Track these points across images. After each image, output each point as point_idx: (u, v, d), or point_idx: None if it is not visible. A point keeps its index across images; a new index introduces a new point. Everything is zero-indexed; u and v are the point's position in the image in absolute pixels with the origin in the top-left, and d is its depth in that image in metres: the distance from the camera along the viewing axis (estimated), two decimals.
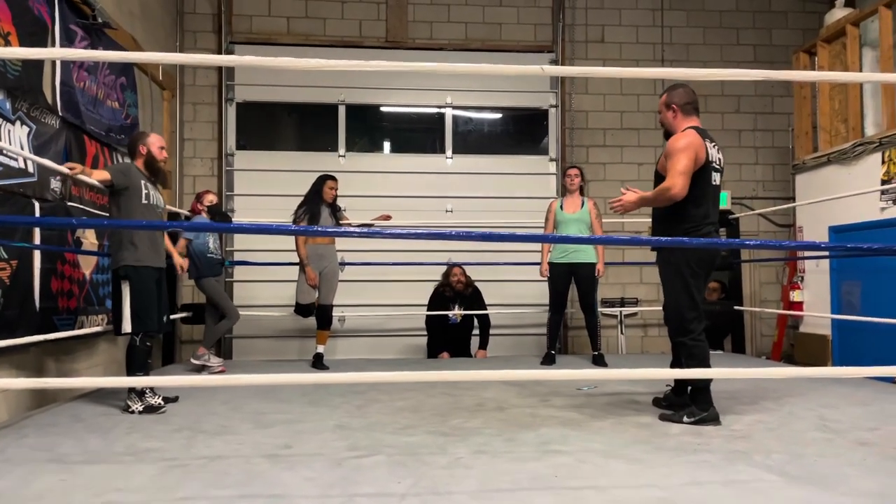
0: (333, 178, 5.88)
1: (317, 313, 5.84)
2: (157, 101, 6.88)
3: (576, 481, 2.64)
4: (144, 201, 3.98)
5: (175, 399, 4.15)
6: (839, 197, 5.80)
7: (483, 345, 6.82)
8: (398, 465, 2.82)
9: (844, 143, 6.14)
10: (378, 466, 2.81)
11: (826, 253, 6.09)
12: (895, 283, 5.32)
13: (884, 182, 5.58)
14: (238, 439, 3.27)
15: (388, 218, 6.15)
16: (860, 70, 6.13)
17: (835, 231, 6.24)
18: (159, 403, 3.93)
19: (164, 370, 5.77)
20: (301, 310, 5.85)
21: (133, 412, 3.83)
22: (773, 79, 2.46)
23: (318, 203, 5.72)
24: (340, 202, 7.63)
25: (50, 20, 4.48)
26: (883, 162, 5.62)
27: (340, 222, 5.90)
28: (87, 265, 5.04)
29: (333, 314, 6.00)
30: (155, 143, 4.11)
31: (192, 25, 7.77)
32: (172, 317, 6.07)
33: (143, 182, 4.00)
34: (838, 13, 6.58)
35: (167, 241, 4.41)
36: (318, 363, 5.81)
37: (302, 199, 5.84)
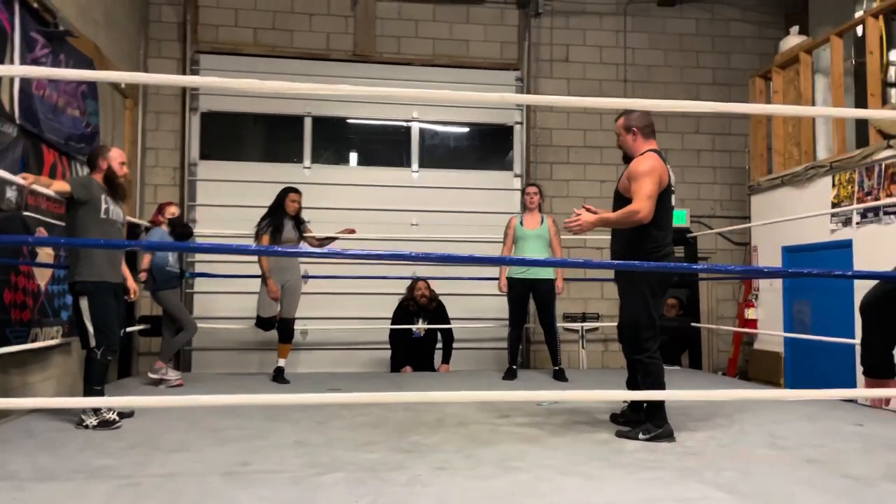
0: (296, 191, 5.84)
1: (279, 326, 5.80)
2: (119, 109, 6.79)
3: (532, 499, 2.67)
4: (103, 216, 3.93)
5: (130, 414, 4.08)
6: (792, 219, 5.98)
7: (446, 359, 6.84)
8: (357, 483, 2.82)
9: (797, 166, 6.34)
10: (337, 484, 2.81)
11: (775, 276, 6.27)
12: (843, 303, 5.49)
13: (834, 205, 5.77)
14: (194, 457, 3.23)
15: (351, 232, 6.14)
16: (812, 96, 6.34)
17: (788, 251, 6.43)
18: (114, 419, 3.86)
19: (120, 384, 5.67)
20: (262, 323, 5.81)
21: (87, 427, 3.76)
22: (722, 111, 2.55)
23: (280, 216, 5.69)
24: (305, 214, 7.63)
25: (9, 27, 4.40)
26: (833, 185, 5.82)
27: (304, 235, 5.87)
28: (42, 276, 4.94)
29: (296, 327, 5.97)
30: (116, 157, 4.07)
31: (156, 34, 7.70)
32: (129, 329, 5.98)
33: (102, 196, 3.96)
34: (792, 40, 6.81)
35: (123, 264, 4.32)
36: (279, 377, 5.76)
37: (266, 211, 5.80)
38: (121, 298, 4.15)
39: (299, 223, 5.81)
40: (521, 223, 5.85)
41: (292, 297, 5.77)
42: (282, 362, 5.82)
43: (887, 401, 2.51)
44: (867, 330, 2.36)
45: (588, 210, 3.71)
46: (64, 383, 5.44)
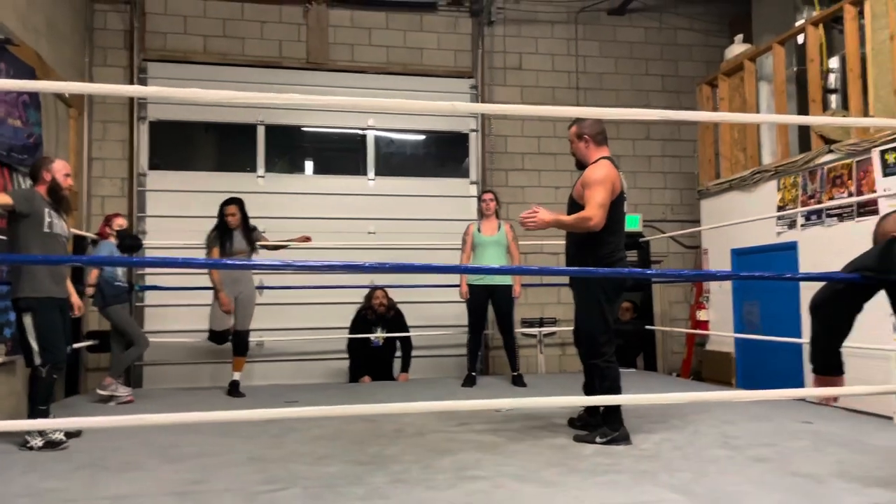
0: (233, 203, 5.65)
1: (233, 339, 5.70)
2: (63, 119, 6.60)
3: None
4: (46, 230, 3.81)
5: (78, 434, 3.95)
6: (740, 222, 6.14)
7: (405, 367, 6.80)
8: (314, 499, 2.78)
9: (744, 170, 6.51)
10: (293, 500, 2.77)
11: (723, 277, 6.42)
12: (790, 303, 5.64)
13: (779, 208, 5.94)
14: (144, 476, 3.14)
15: (307, 239, 6.04)
16: (757, 102, 6.52)
17: (736, 253, 6.59)
18: (61, 439, 3.74)
19: (67, 402, 5.48)
20: (215, 337, 5.69)
21: (32, 448, 3.63)
22: (670, 119, 2.60)
23: (224, 230, 5.58)
24: (260, 224, 7.53)
25: None
26: (778, 189, 5.99)
27: (259, 243, 5.77)
28: None
29: (251, 339, 5.87)
30: (60, 170, 3.95)
31: (102, 41, 7.50)
32: (77, 345, 5.79)
33: (46, 209, 3.83)
34: (737, 48, 7.00)
35: (68, 279, 4.18)
36: (234, 391, 5.66)
37: (215, 223, 5.69)
38: (66, 314, 4.03)
39: (250, 232, 5.69)
40: (479, 230, 5.87)
41: (246, 309, 5.67)
42: (237, 375, 5.72)
43: (836, 398, 2.57)
44: (816, 329, 2.43)
45: (544, 210, 3.72)
46: (8, 402, 5.25)
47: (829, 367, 2.49)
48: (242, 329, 5.68)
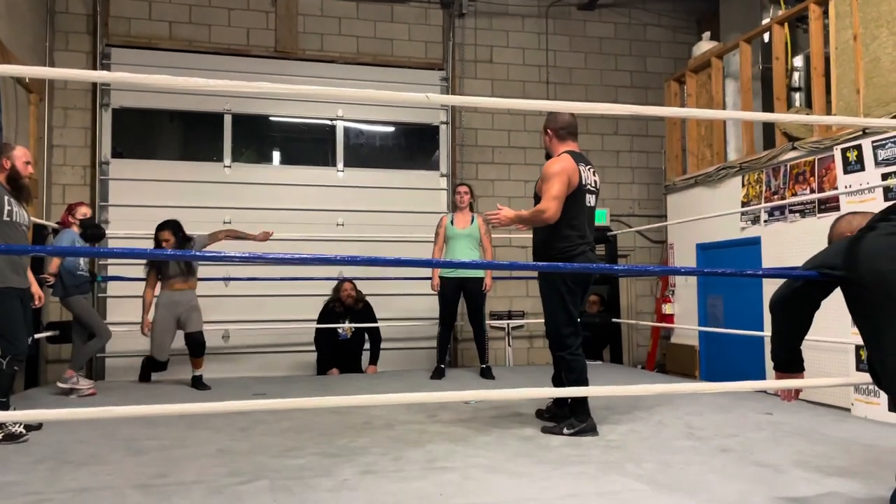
0: (167, 227, 5.59)
1: (189, 343, 5.61)
2: (23, 104, 6.41)
3: (460, 498, 2.68)
4: (6, 218, 3.70)
5: (38, 427, 3.87)
6: (705, 217, 6.24)
7: (373, 360, 6.79)
8: (281, 490, 2.76)
9: (709, 166, 6.61)
10: (260, 493, 2.74)
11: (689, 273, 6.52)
12: (753, 297, 5.76)
13: (744, 204, 6.05)
14: (108, 469, 3.09)
15: (267, 235, 5.92)
16: (723, 99, 6.62)
17: (701, 248, 6.70)
18: (20, 432, 3.65)
19: (27, 394, 5.35)
20: (154, 365, 5.61)
21: None
22: (640, 114, 2.63)
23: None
24: (227, 215, 7.45)
25: None
26: (743, 185, 6.09)
27: (203, 250, 5.57)
28: None
29: (217, 328, 5.80)
30: (20, 157, 3.84)
31: (64, 26, 7.30)
32: (37, 336, 5.66)
33: (5, 198, 3.72)
34: (704, 45, 7.09)
35: (28, 270, 4.08)
36: (199, 384, 5.59)
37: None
38: (27, 304, 3.93)
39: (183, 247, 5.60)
40: (452, 222, 5.87)
41: (191, 315, 5.61)
42: (199, 372, 5.65)
43: (797, 393, 2.63)
44: (777, 326, 2.48)
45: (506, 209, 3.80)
46: None
47: (790, 365, 2.54)
48: (195, 330, 5.60)
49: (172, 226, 5.61)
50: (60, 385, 5.14)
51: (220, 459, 3.26)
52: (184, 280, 5.62)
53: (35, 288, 4.20)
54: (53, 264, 5.19)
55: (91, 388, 5.22)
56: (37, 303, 4.32)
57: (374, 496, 2.70)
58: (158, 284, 5.62)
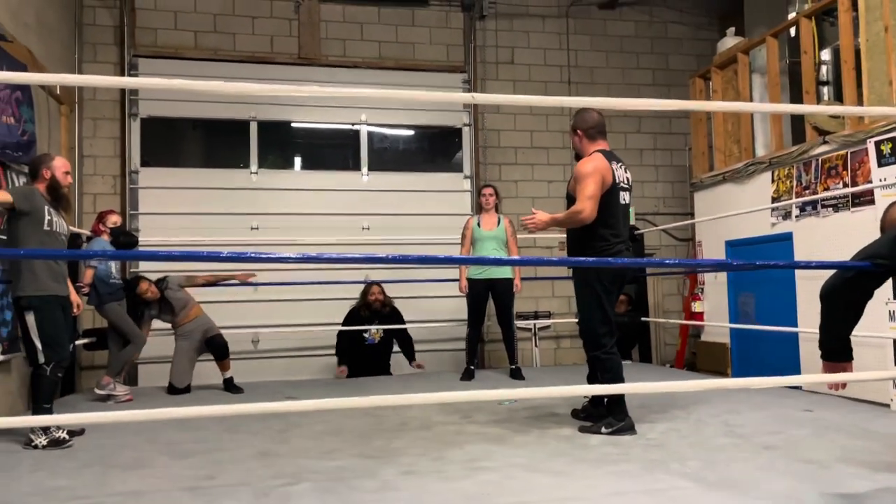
0: (138, 283, 5.78)
1: (210, 348, 5.75)
2: (55, 116, 6.51)
3: (504, 498, 2.69)
4: (46, 227, 3.77)
5: (81, 432, 3.93)
6: (734, 214, 6.18)
7: (412, 357, 6.73)
8: (327, 492, 2.78)
9: (737, 162, 6.56)
10: (306, 494, 2.76)
11: (721, 268, 6.47)
12: (785, 294, 5.70)
13: (774, 199, 5.99)
14: (154, 473, 3.13)
15: (248, 276, 6.11)
16: (750, 94, 6.57)
17: (730, 245, 6.64)
18: (64, 437, 3.72)
19: (64, 401, 5.43)
20: (174, 391, 5.68)
21: (37, 447, 3.61)
22: (668, 108, 2.63)
23: (133, 308, 5.70)
24: (254, 221, 7.57)
25: None
26: (773, 181, 6.04)
27: (176, 297, 5.82)
28: None
29: (247, 332, 5.89)
30: (60, 167, 3.91)
31: (92, 37, 7.42)
32: (74, 343, 5.74)
33: (46, 208, 3.79)
34: (730, 41, 7.04)
35: (67, 278, 4.15)
36: (232, 387, 5.65)
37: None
38: (68, 312, 3.99)
39: (161, 303, 5.80)
40: (479, 224, 5.87)
41: (209, 329, 5.82)
42: (228, 374, 5.72)
43: (844, 385, 2.61)
44: (827, 315, 2.47)
45: (541, 212, 3.80)
46: (4, 403, 5.18)
47: (839, 353, 2.53)
48: (214, 334, 5.75)
49: (141, 278, 5.81)
50: (98, 391, 5.22)
51: (262, 462, 3.29)
52: (185, 313, 5.81)
53: (74, 296, 4.27)
54: (88, 274, 5.27)
55: (128, 394, 5.29)
56: (76, 311, 4.39)
57: (419, 496, 2.71)
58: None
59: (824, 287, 2.45)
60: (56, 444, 3.65)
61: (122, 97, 7.45)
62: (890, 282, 2.45)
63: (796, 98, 6.04)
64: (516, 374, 6.00)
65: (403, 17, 8.27)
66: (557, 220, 3.79)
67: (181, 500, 2.71)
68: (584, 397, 4.27)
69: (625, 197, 3.88)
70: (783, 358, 5.69)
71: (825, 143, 5.40)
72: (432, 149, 8.68)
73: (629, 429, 3.71)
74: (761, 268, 4.71)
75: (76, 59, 7.19)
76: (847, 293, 2.40)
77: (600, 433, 3.70)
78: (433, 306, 7.62)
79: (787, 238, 5.77)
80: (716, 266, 6.51)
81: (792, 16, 6.30)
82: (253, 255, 3.32)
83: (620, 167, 3.87)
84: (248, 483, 2.92)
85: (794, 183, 5.75)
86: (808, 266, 3.30)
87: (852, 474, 2.85)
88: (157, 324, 6.10)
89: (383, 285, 6.86)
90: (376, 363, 6.71)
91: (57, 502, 2.70)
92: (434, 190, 8.13)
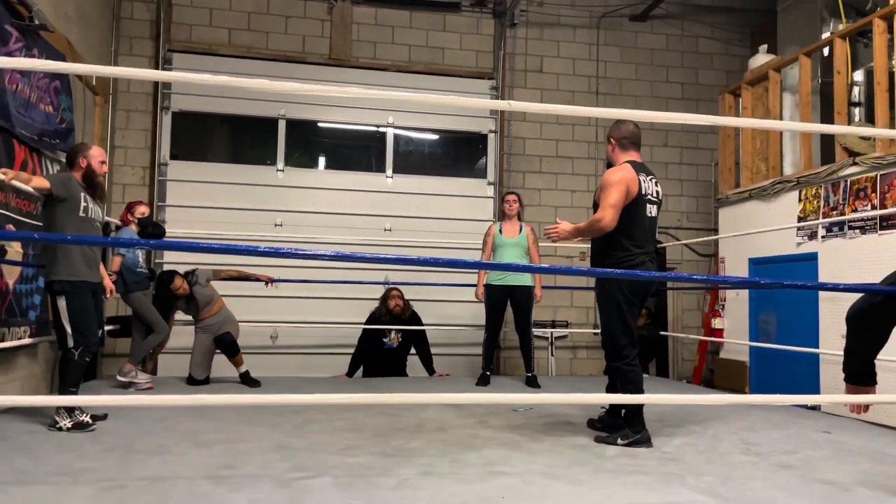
0: (171, 279, 5.79)
1: (219, 346, 5.83)
2: (90, 106, 6.64)
3: (522, 502, 2.70)
4: (82, 214, 3.85)
5: (104, 417, 4.00)
6: (759, 231, 6.16)
7: (431, 369, 6.74)
8: (346, 487, 2.81)
9: (764, 180, 6.52)
10: (326, 488, 2.80)
11: (741, 285, 6.43)
12: (807, 314, 5.66)
13: (800, 219, 5.96)
14: (176, 459, 3.18)
15: (269, 280, 6.28)
16: (780, 113, 6.54)
17: (754, 263, 6.60)
18: (88, 421, 3.78)
19: (87, 386, 5.52)
20: (193, 382, 5.75)
21: (61, 429, 3.68)
22: (696, 122, 2.64)
23: (165, 302, 5.81)
24: (278, 217, 7.67)
25: None
26: (800, 200, 6.00)
27: (203, 295, 5.90)
28: (10, 275, 4.80)
29: (265, 327, 5.96)
30: (96, 156, 3.99)
31: (128, 31, 7.56)
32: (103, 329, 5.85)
33: (81, 195, 3.88)
34: (761, 58, 7.01)
35: (101, 265, 4.24)
36: (249, 380, 5.72)
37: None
38: (98, 298, 4.07)
39: (189, 299, 5.86)
40: (501, 231, 5.89)
41: (224, 326, 5.88)
42: (242, 369, 5.79)
43: (866, 408, 2.60)
44: (852, 338, 2.46)
45: (565, 222, 3.83)
46: (29, 385, 5.28)
47: (862, 377, 2.52)
48: (222, 333, 5.83)
49: (175, 274, 5.84)
50: (120, 378, 5.30)
51: (281, 454, 3.34)
52: (209, 308, 5.88)
53: (107, 281, 4.36)
54: (116, 262, 5.37)
55: (149, 383, 5.37)
56: (108, 296, 4.48)
57: (438, 496, 2.73)
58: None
59: (851, 310, 2.45)
60: (80, 427, 3.72)
61: (155, 90, 7.57)
62: None
63: (827, 118, 6.00)
64: (532, 382, 6.00)
65: (435, 22, 8.33)
66: (580, 229, 3.81)
67: (202, 487, 2.76)
68: (602, 407, 4.28)
69: (651, 210, 3.88)
70: (803, 379, 5.65)
71: (855, 164, 5.37)
72: (457, 154, 8.73)
73: (645, 441, 3.71)
74: (789, 287, 4.67)
75: (112, 52, 7.33)
76: (873, 317, 2.39)
77: (616, 444, 3.70)
78: (452, 311, 7.65)
79: (811, 258, 5.73)
80: (741, 284, 6.46)
81: (825, 35, 6.27)
82: (275, 250, 3.39)
83: (650, 180, 3.88)
84: (267, 474, 2.97)
85: (822, 203, 5.72)
86: (835, 288, 3.28)
87: (871, 497, 2.84)
88: (177, 314, 6.19)
89: (402, 289, 6.87)
90: (394, 367, 6.73)
91: (83, 483, 2.76)
92: (457, 195, 8.17)
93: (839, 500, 2.79)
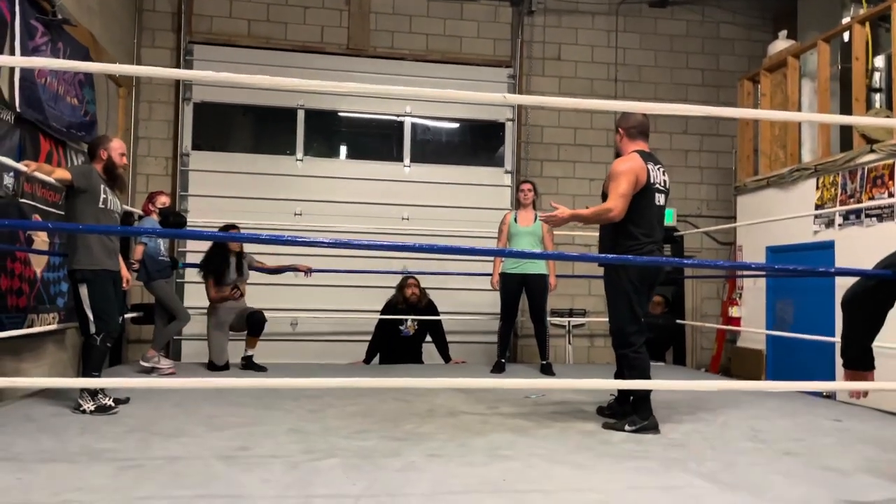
0: (235, 227, 5.87)
1: (249, 321, 5.84)
2: (113, 97, 6.80)
3: (523, 485, 2.77)
4: (102, 206, 3.98)
5: (126, 401, 4.14)
6: (776, 219, 6.12)
7: (447, 357, 6.85)
8: (353, 468, 2.91)
9: (783, 168, 6.48)
10: (333, 469, 2.89)
11: (761, 272, 6.41)
12: (824, 302, 5.63)
13: (817, 206, 5.91)
14: (193, 441, 3.30)
15: (308, 270, 6.18)
16: (799, 99, 6.47)
17: (772, 251, 6.57)
18: (110, 404, 3.92)
19: (111, 371, 5.70)
20: (214, 368, 5.79)
21: (84, 412, 3.82)
22: (711, 115, 2.66)
23: (222, 256, 5.80)
24: (297, 207, 7.75)
25: (10, 15, 4.42)
26: (817, 188, 5.96)
27: (253, 267, 6.00)
28: (38, 263, 4.98)
29: (285, 316, 6.01)
30: (117, 148, 4.11)
31: (150, 23, 7.70)
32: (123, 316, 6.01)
33: (102, 186, 4.00)
34: (780, 44, 6.94)
35: (119, 254, 4.36)
36: (253, 365, 5.80)
37: (206, 252, 5.93)
38: (118, 286, 4.21)
39: (241, 258, 5.89)
40: (516, 220, 5.93)
41: (245, 308, 5.90)
42: (251, 352, 5.87)
43: (865, 393, 2.62)
44: (849, 323, 2.49)
45: (561, 207, 3.83)
46: (56, 371, 5.48)
47: (860, 362, 2.54)
48: (256, 310, 5.86)
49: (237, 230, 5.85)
50: (143, 364, 5.45)
51: (293, 437, 3.44)
52: (241, 286, 5.93)
53: (124, 271, 4.49)
54: (138, 251, 5.51)
55: (171, 368, 5.52)
56: (125, 285, 4.61)
57: (441, 478, 2.81)
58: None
59: (846, 295, 2.47)
60: (103, 410, 3.86)
61: (177, 82, 7.71)
62: None
63: (846, 104, 5.94)
64: (547, 370, 6.05)
65: (452, 11, 8.35)
66: (581, 215, 3.83)
67: (216, 466, 2.87)
68: (611, 394, 4.32)
69: (660, 199, 3.90)
70: (819, 367, 5.64)
71: (872, 151, 5.32)
72: (474, 142, 8.76)
73: (653, 428, 3.75)
74: (803, 274, 4.67)
75: (135, 44, 7.48)
76: (868, 301, 2.41)
77: (624, 430, 3.74)
78: (469, 299, 7.72)
79: (828, 246, 5.70)
80: (754, 269, 6.44)
81: (846, 20, 6.18)
82: (292, 238, 3.48)
83: (658, 169, 3.89)
84: (278, 456, 3.07)
85: (839, 191, 5.67)
86: (838, 273, 3.28)
87: (872, 484, 2.85)
88: (199, 301, 6.31)
89: (419, 278, 6.96)
90: (410, 354, 6.83)
91: (101, 462, 2.88)
92: (475, 183, 8.21)
93: (838, 486, 2.81)
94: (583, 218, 3.83)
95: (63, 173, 3.90)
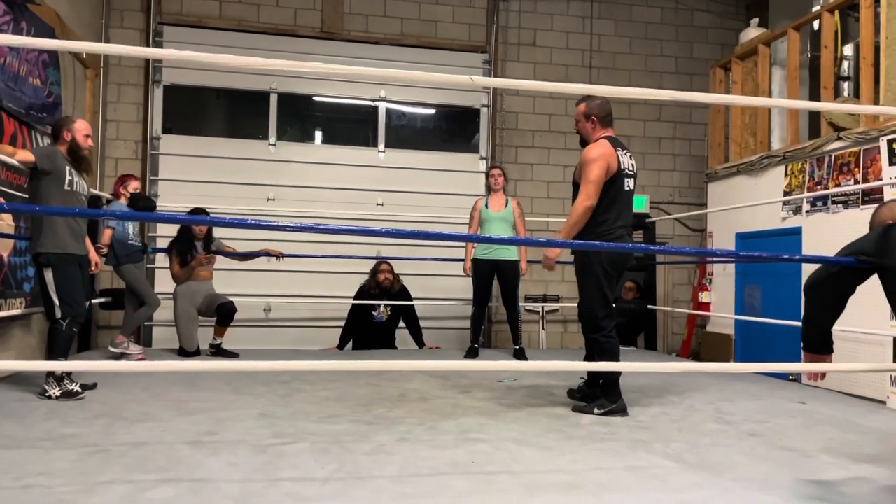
0: (203, 210, 5.84)
1: (220, 311, 5.78)
2: (81, 79, 6.66)
3: (491, 466, 2.79)
4: (67, 188, 3.90)
5: (93, 386, 4.09)
6: (746, 206, 6.20)
7: (421, 339, 6.86)
8: (322, 452, 2.91)
9: (753, 155, 6.55)
10: (301, 453, 2.89)
11: (728, 259, 6.49)
12: (791, 288, 5.72)
13: (786, 193, 6.00)
14: (160, 426, 3.28)
15: (279, 255, 6.10)
16: (770, 87, 6.54)
17: (741, 237, 6.66)
18: (77, 390, 3.88)
19: (80, 356, 5.63)
20: (185, 355, 5.73)
21: (50, 397, 3.77)
22: (679, 100, 2.67)
23: (187, 242, 5.76)
24: (270, 192, 7.67)
25: None
26: (786, 175, 6.04)
27: (222, 252, 5.95)
28: (4, 247, 4.88)
29: (258, 301, 5.96)
30: (81, 129, 4.03)
31: (119, 4, 7.53)
32: (92, 301, 5.92)
33: (66, 168, 3.92)
34: (752, 32, 7.00)
35: (86, 237, 4.28)
36: (222, 352, 5.76)
37: (173, 237, 5.88)
38: (85, 270, 4.14)
39: (209, 242, 5.84)
40: (487, 205, 5.94)
41: (216, 297, 5.84)
42: (219, 340, 5.83)
43: (823, 375, 2.68)
44: (810, 308, 2.53)
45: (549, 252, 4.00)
46: (22, 357, 5.38)
47: (820, 346, 2.60)
48: (227, 301, 5.81)
49: (206, 211, 5.83)
50: (112, 349, 5.38)
51: (262, 422, 3.43)
52: (210, 269, 5.88)
53: (93, 254, 4.42)
54: (106, 235, 5.42)
55: (140, 354, 5.46)
56: (94, 269, 4.54)
57: (409, 461, 2.83)
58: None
59: (808, 281, 2.51)
60: (69, 395, 3.81)
61: (147, 64, 7.57)
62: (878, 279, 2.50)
63: (815, 92, 6.01)
64: (520, 355, 6.08)
65: None
66: (567, 231, 3.80)
67: (182, 451, 2.85)
68: (581, 378, 4.36)
69: (629, 183, 3.94)
70: (786, 351, 5.73)
71: (839, 139, 5.40)
72: (449, 128, 8.74)
73: (621, 411, 3.80)
74: (769, 260, 4.74)
75: (103, 25, 7.32)
76: (830, 288, 2.46)
77: (593, 413, 3.79)
78: (442, 284, 7.72)
79: (796, 233, 5.79)
80: (720, 256, 6.52)
81: (816, 9, 6.24)
82: (255, 222, 3.44)
83: (625, 154, 3.93)
84: (246, 440, 3.06)
85: (807, 178, 5.75)
86: (802, 260, 3.34)
87: (832, 464, 2.92)
88: (170, 287, 6.24)
89: (392, 264, 6.95)
90: (383, 340, 6.83)
91: (66, 448, 2.85)
92: (450, 170, 8.20)
93: (799, 466, 2.88)
94: (568, 231, 3.80)
95: (26, 155, 3.82)
